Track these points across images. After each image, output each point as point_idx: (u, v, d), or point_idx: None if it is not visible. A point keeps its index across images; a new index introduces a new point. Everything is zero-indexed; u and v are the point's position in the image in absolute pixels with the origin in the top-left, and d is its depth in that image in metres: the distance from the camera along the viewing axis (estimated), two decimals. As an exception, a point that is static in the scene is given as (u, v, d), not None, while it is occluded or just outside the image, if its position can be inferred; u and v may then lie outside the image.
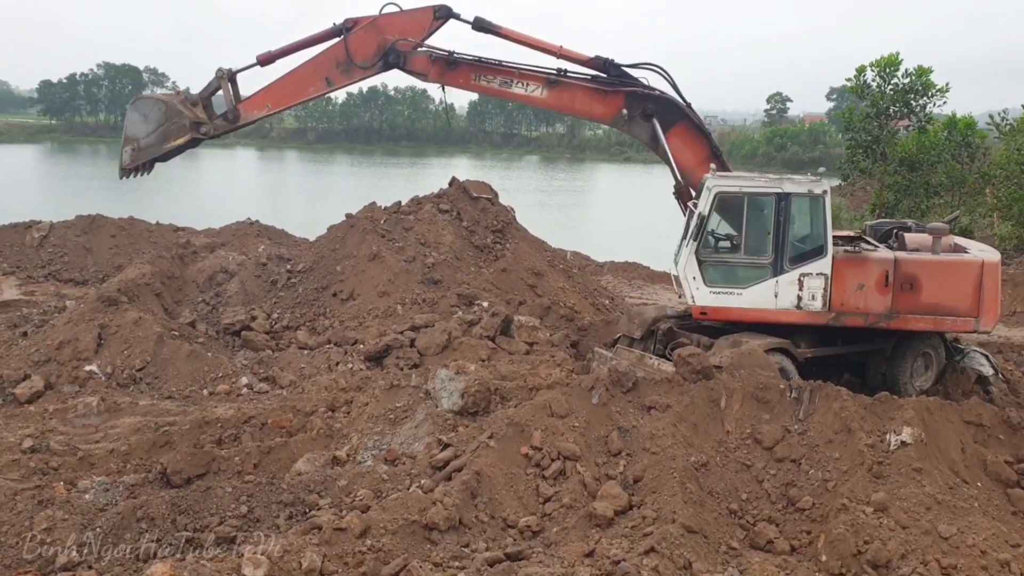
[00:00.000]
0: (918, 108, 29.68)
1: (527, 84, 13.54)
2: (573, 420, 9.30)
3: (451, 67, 13.42)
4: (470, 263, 17.70)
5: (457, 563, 7.52)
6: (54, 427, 11.42)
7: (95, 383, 13.08)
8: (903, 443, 8.57)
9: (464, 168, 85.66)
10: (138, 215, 25.16)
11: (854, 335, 12.88)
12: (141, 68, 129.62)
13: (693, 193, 13.18)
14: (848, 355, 13.31)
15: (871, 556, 7.56)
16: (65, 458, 10.14)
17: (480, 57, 13.43)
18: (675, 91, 13.65)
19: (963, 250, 12.85)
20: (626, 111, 13.60)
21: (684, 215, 13.77)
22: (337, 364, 14.00)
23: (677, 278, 12.78)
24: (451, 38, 13.74)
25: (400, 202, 19.31)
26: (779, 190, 12.27)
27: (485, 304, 15.62)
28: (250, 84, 13.50)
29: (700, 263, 12.39)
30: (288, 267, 17.73)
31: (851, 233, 13.99)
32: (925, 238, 12.82)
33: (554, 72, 13.43)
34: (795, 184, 12.40)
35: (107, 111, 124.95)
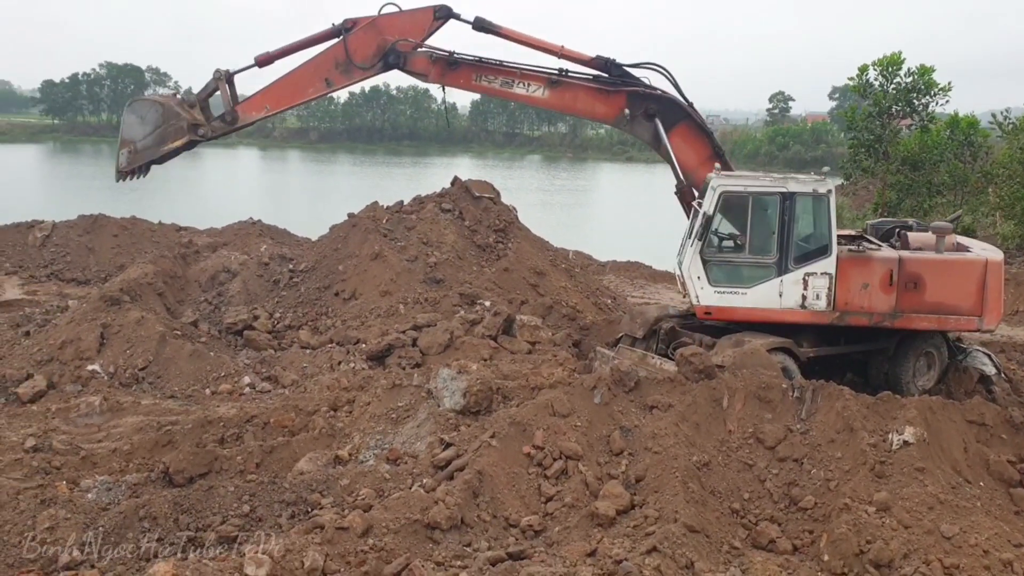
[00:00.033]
0: (920, 107, 29.66)
1: (528, 84, 13.49)
2: (575, 419, 9.30)
3: (452, 68, 13.35)
4: (472, 262, 17.70)
5: (459, 562, 7.52)
6: (56, 426, 11.44)
7: (97, 382, 13.09)
8: (905, 443, 8.56)
9: (466, 167, 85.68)
10: (140, 215, 25.20)
11: (857, 334, 12.86)
12: (143, 68, 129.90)
13: (696, 193, 13.16)
14: (851, 354, 13.29)
15: (873, 556, 7.56)
16: (68, 457, 10.15)
17: (481, 57, 13.36)
18: (677, 91, 13.62)
19: (966, 249, 12.85)
20: (628, 111, 13.57)
21: (686, 215, 13.76)
22: (339, 363, 14.01)
23: (681, 278, 12.77)
24: (451, 38, 13.70)
25: (402, 201, 19.32)
26: (784, 189, 12.26)
27: (487, 303, 15.62)
28: (249, 85, 13.48)
29: (705, 263, 12.37)
30: (290, 266, 17.74)
31: (852, 232, 13.98)
32: (928, 237, 12.81)
33: (555, 72, 13.38)
34: (800, 183, 12.39)
35: (109, 111, 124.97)
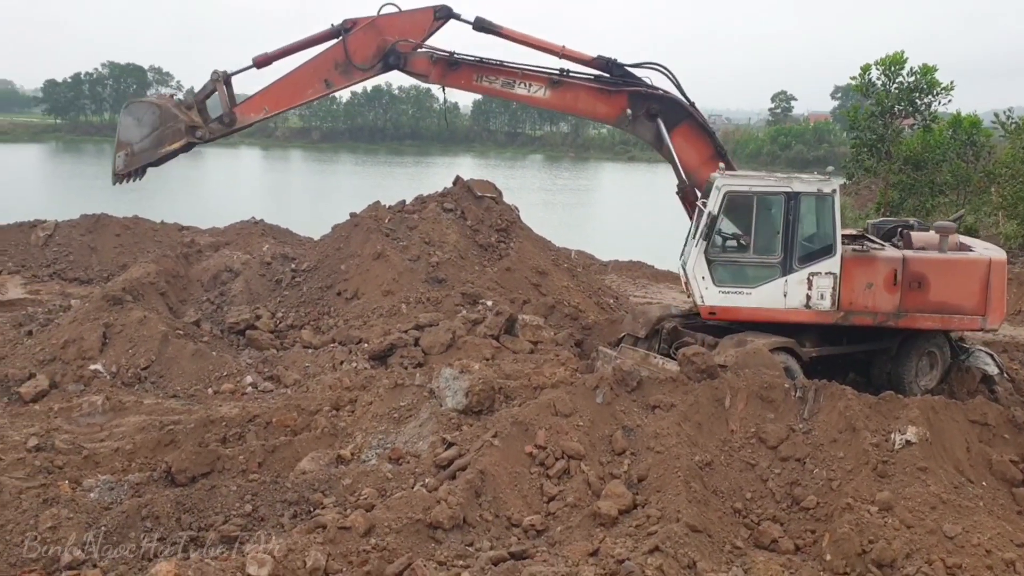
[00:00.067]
0: (923, 107, 29.66)
1: (530, 85, 13.45)
2: (577, 419, 9.29)
3: (452, 68, 13.30)
4: (474, 262, 17.70)
5: (461, 562, 7.52)
6: (59, 426, 11.44)
7: (100, 382, 13.10)
8: (908, 442, 8.55)
9: (468, 167, 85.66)
10: (143, 214, 25.22)
11: (859, 334, 12.86)
12: (146, 67, 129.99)
13: (698, 193, 13.16)
14: (853, 354, 13.28)
15: (876, 555, 7.55)
16: (70, 457, 10.15)
17: (482, 58, 13.32)
18: (678, 90, 13.60)
19: (969, 249, 12.85)
20: (630, 111, 13.55)
21: (688, 215, 13.76)
22: (341, 363, 14.01)
23: (685, 278, 12.76)
24: (451, 39, 13.66)
25: (404, 201, 19.32)
26: (788, 189, 12.25)
27: (489, 303, 15.62)
28: (249, 85, 13.42)
29: (709, 263, 12.36)
30: (292, 266, 17.75)
31: (854, 232, 13.99)
32: (931, 237, 12.81)
33: (557, 72, 13.35)
34: (805, 183, 12.39)
35: (112, 110, 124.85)
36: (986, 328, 12.52)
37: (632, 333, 13.59)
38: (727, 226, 12.76)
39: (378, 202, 19.21)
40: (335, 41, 13.07)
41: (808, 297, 12.22)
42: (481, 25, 13.41)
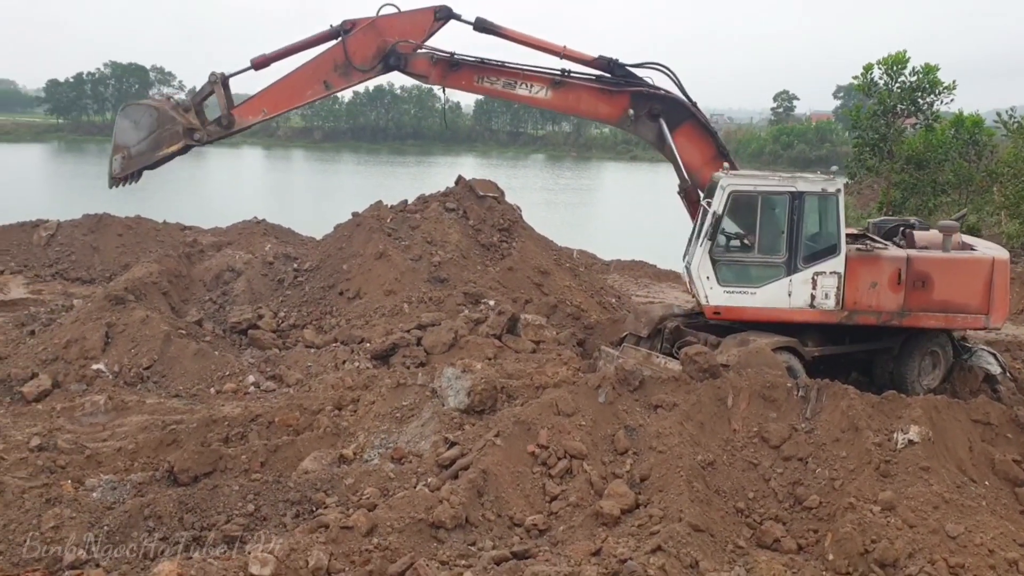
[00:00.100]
0: (925, 106, 29.62)
1: (531, 85, 13.40)
2: (580, 419, 9.29)
3: (453, 69, 13.22)
4: (476, 261, 17.70)
5: (464, 561, 7.52)
6: (61, 425, 11.45)
7: (102, 381, 13.12)
8: (910, 442, 8.54)
9: (470, 167, 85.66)
10: (145, 214, 25.21)
11: (862, 333, 12.86)
12: (148, 67, 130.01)
13: (701, 193, 13.15)
14: (855, 353, 13.28)
15: (878, 555, 7.54)
16: (72, 456, 10.16)
17: (483, 59, 13.25)
18: (680, 90, 13.59)
19: (971, 248, 12.86)
20: (632, 111, 13.53)
21: (689, 215, 13.76)
22: (344, 362, 14.02)
23: (689, 277, 12.74)
24: (451, 39, 13.60)
25: (406, 201, 19.33)
26: (793, 189, 12.25)
27: (491, 303, 15.62)
28: (248, 86, 13.34)
29: (714, 263, 12.35)
30: (295, 266, 17.76)
31: (855, 231, 13.99)
32: (934, 236, 12.82)
33: (558, 73, 13.30)
34: (809, 183, 12.39)
35: (114, 110, 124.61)
36: (989, 327, 12.55)
37: (634, 332, 13.59)
38: (731, 226, 12.75)
39: (380, 202, 19.21)
40: (334, 42, 12.96)
41: (813, 297, 12.22)
42: (482, 25, 13.34)
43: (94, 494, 9.02)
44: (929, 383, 12.88)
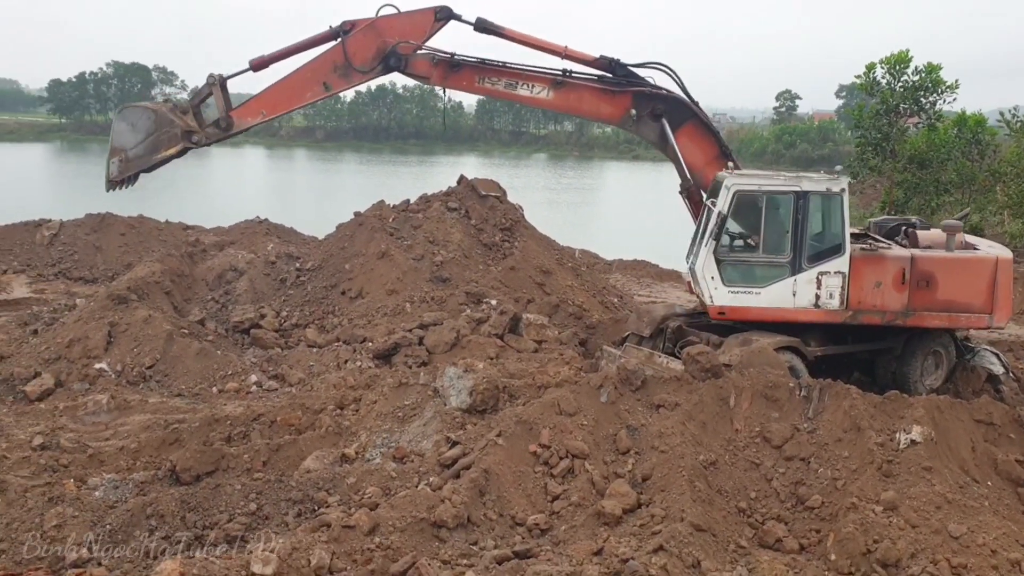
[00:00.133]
0: (928, 105, 29.58)
1: (532, 86, 13.34)
2: (582, 418, 9.29)
3: (454, 70, 13.14)
4: (478, 261, 17.70)
5: (465, 561, 7.52)
6: (64, 424, 11.47)
7: (105, 381, 13.13)
8: (913, 442, 8.54)
9: (472, 166, 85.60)
10: (147, 213, 25.24)
11: (864, 333, 12.84)
12: (150, 67, 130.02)
13: (703, 193, 13.13)
14: (858, 353, 13.27)
15: (880, 555, 7.54)
16: (75, 455, 10.18)
17: (484, 59, 13.18)
18: (682, 90, 13.56)
19: (975, 248, 12.85)
20: (634, 111, 13.50)
21: (691, 214, 13.74)
22: (346, 362, 14.03)
23: (694, 278, 12.72)
24: (452, 39, 13.53)
25: (408, 200, 19.32)
26: (798, 188, 12.23)
27: (493, 302, 15.62)
28: (248, 87, 13.27)
29: (719, 263, 12.33)
30: (297, 265, 17.77)
31: (856, 231, 13.97)
32: (937, 235, 12.80)
33: (559, 73, 13.25)
34: (813, 182, 12.37)
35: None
36: (993, 326, 12.56)
37: (636, 332, 13.58)
38: (736, 226, 12.74)
39: (382, 201, 19.20)
40: (334, 43, 12.85)
41: (817, 296, 12.20)
42: (482, 26, 13.27)
43: (96, 493, 9.04)
44: (932, 383, 12.87)
